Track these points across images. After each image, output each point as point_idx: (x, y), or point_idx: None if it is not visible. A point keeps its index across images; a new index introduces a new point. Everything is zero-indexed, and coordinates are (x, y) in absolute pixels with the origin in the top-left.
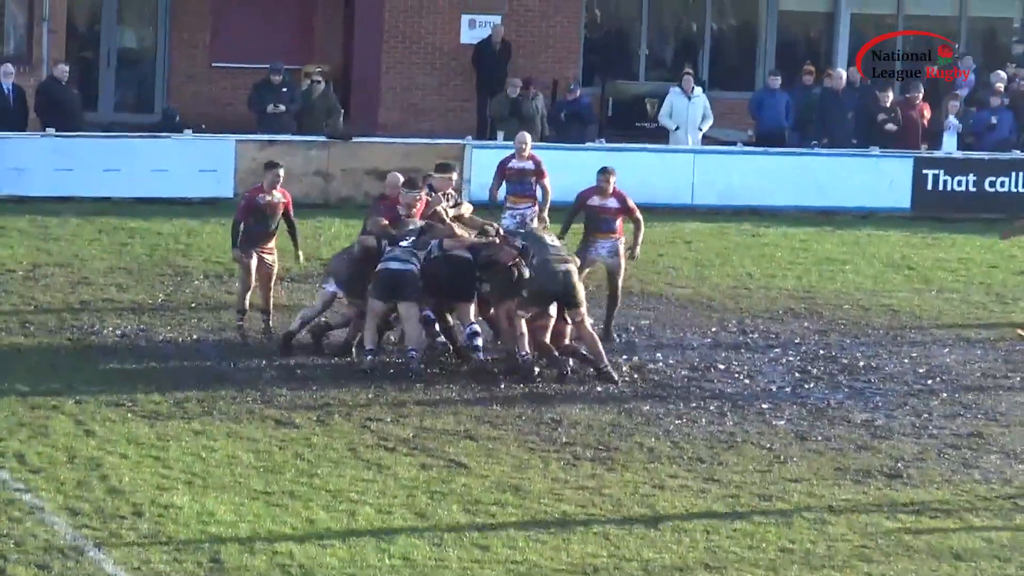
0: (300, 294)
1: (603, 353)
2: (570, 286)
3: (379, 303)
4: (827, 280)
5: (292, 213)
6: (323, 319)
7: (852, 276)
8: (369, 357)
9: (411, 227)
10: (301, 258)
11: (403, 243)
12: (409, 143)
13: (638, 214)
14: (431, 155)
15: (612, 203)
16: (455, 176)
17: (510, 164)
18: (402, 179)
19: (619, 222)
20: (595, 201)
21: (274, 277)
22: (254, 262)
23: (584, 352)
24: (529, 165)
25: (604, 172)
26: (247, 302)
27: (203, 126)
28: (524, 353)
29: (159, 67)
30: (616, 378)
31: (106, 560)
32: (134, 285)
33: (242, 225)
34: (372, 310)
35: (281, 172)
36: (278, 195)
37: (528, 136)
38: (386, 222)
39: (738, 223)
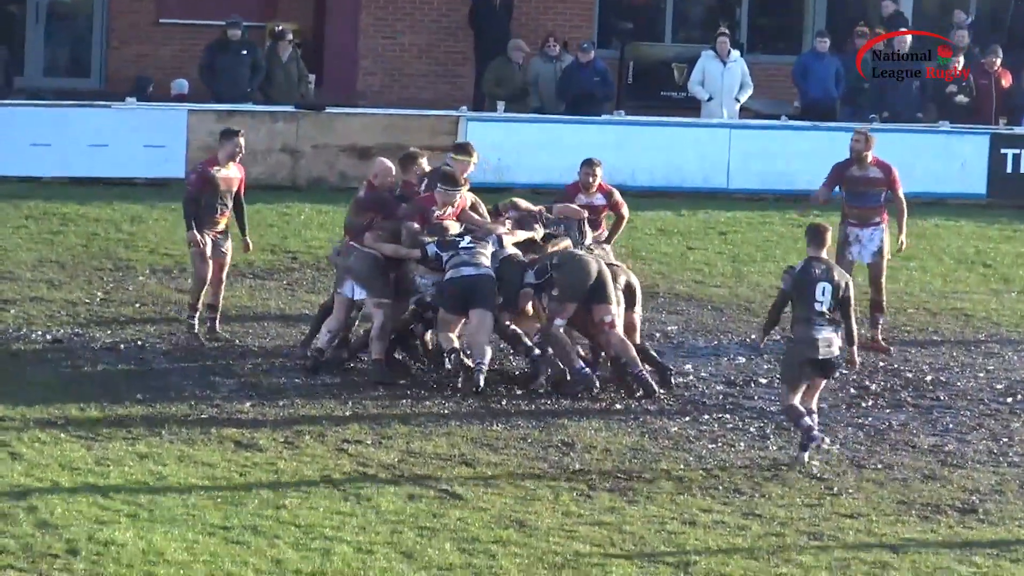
0: (264, 292)
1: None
2: (603, 277)
3: (453, 316)
4: (888, 279)
5: (243, 192)
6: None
7: (917, 274)
8: (453, 356)
9: (452, 231)
10: (250, 246)
11: (464, 244)
12: (392, 114)
13: (625, 210)
14: (419, 129)
15: (599, 200)
16: (475, 160)
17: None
18: (392, 167)
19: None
20: (580, 200)
21: (227, 267)
22: (209, 248)
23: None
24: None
25: (588, 165)
26: (201, 298)
27: (150, 89)
28: (579, 366)
29: (96, 24)
30: (654, 388)
31: None
32: (68, 281)
33: (199, 202)
34: (445, 323)
35: (242, 142)
36: (235, 169)
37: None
38: (419, 228)
39: (781, 211)
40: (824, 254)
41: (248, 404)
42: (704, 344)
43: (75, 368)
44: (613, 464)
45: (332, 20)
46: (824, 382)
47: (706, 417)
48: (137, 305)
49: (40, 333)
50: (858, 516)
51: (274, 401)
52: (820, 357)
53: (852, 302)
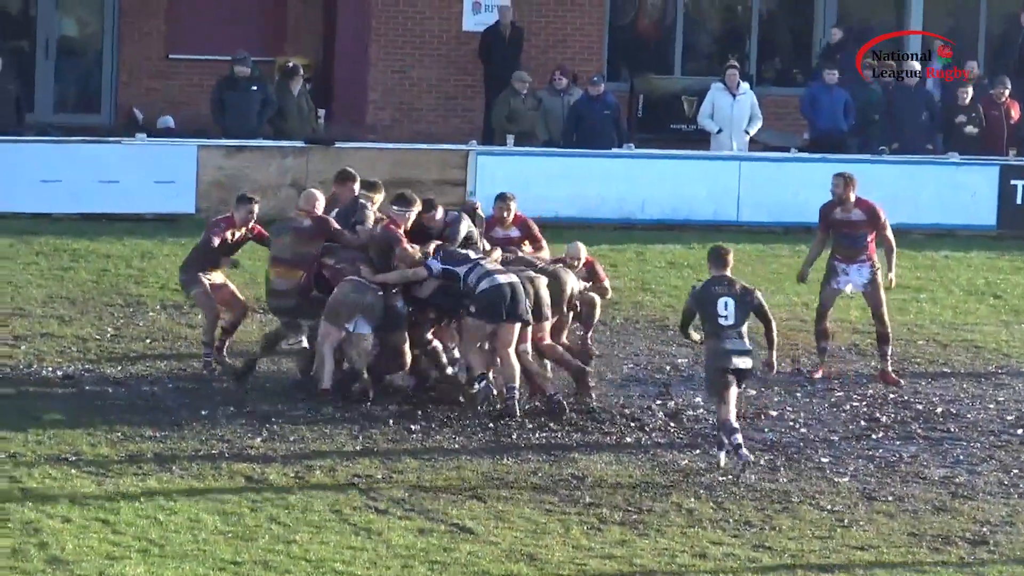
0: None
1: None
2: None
3: (486, 325)
4: (897, 311)
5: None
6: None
7: (927, 306)
8: (483, 383)
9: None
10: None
11: (474, 256)
12: (403, 149)
13: (544, 243)
14: (429, 163)
15: (514, 233)
16: (414, 212)
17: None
18: (319, 196)
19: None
20: (497, 233)
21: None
22: (207, 286)
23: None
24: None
25: (502, 200)
26: (215, 334)
27: (169, 122)
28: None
29: (106, 59)
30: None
31: None
32: (78, 317)
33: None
34: (471, 333)
35: (256, 209)
36: (247, 231)
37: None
38: (412, 249)
39: (791, 243)
40: (728, 272)
41: (259, 439)
42: None
43: (86, 404)
44: (623, 497)
45: (341, 54)
46: (737, 391)
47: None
48: (148, 341)
49: (51, 369)
50: (869, 548)
51: (284, 436)
52: (732, 367)
53: (765, 307)
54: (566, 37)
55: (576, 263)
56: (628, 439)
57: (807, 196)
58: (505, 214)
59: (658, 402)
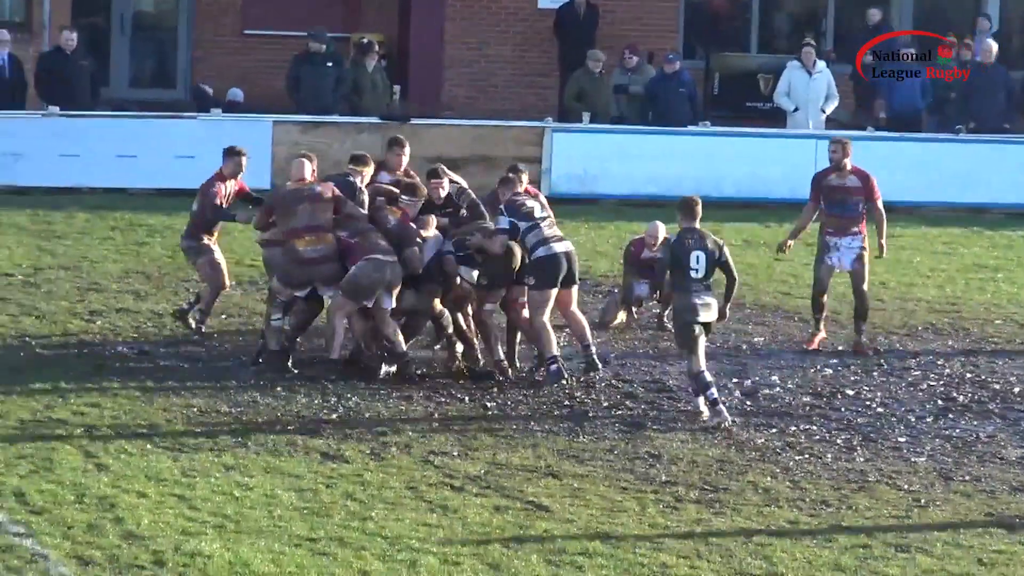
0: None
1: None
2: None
3: (552, 291)
4: (975, 290)
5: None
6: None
7: (1005, 286)
8: (555, 367)
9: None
10: None
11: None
12: (478, 125)
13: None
14: (504, 140)
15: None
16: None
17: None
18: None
19: None
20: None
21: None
22: (214, 255)
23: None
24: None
25: (514, 172)
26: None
27: (238, 95)
28: (499, 357)
29: (182, 35)
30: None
31: None
32: (154, 292)
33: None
34: (544, 303)
35: (244, 162)
36: (234, 184)
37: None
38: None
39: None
40: (697, 224)
41: (334, 415)
42: (790, 356)
43: (161, 379)
44: (699, 476)
45: (417, 31)
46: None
47: (792, 428)
48: (223, 316)
49: (126, 346)
50: (946, 528)
51: (360, 412)
52: (700, 320)
53: (731, 262)
54: (642, 15)
55: (655, 243)
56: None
57: (884, 175)
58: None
59: (734, 380)
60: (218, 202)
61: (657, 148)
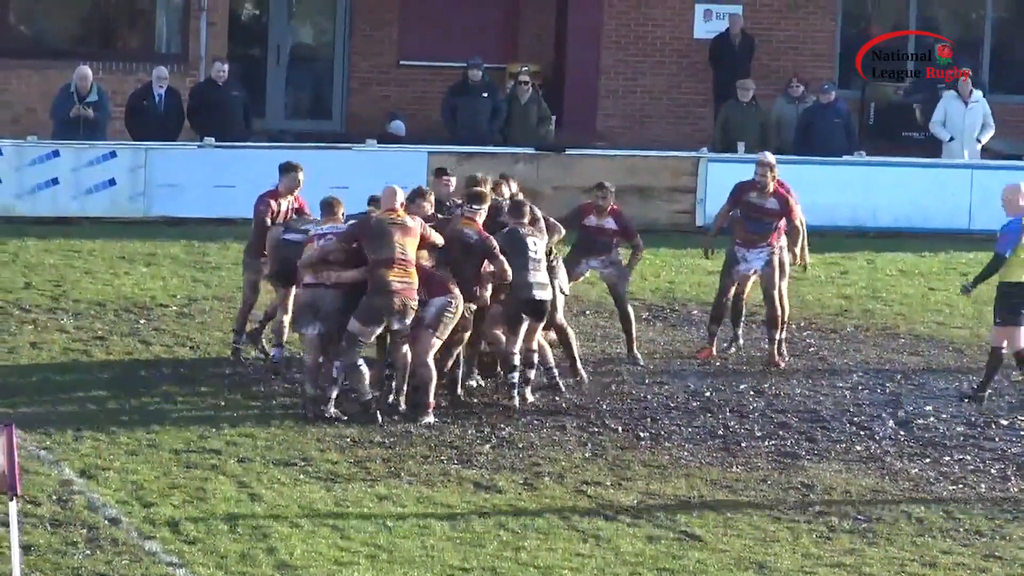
0: None
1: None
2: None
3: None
4: None
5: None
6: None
7: None
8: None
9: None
10: None
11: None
12: (633, 155)
13: (639, 240)
14: (660, 170)
15: (610, 224)
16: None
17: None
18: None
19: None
20: (591, 221)
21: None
22: (261, 276)
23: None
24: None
25: (600, 188)
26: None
27: (400, 127)
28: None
29: (338, 66)
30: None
31: None
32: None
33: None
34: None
35: (301, 177)
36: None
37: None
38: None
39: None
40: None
41: (487, 446)
42: (944, 385)
43: (315, 412)
44: (853, 506)
45: (572, 62)
46: (539, 325)
47: (947, 459)
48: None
49: (280, 376)
50: None
51: (513, 443)
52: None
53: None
54: (798, 45)
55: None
56: (857, 447)
57: None
58: (602, 203)
59: (888, 410)
60: (265, 219)
61: (813, 178)
